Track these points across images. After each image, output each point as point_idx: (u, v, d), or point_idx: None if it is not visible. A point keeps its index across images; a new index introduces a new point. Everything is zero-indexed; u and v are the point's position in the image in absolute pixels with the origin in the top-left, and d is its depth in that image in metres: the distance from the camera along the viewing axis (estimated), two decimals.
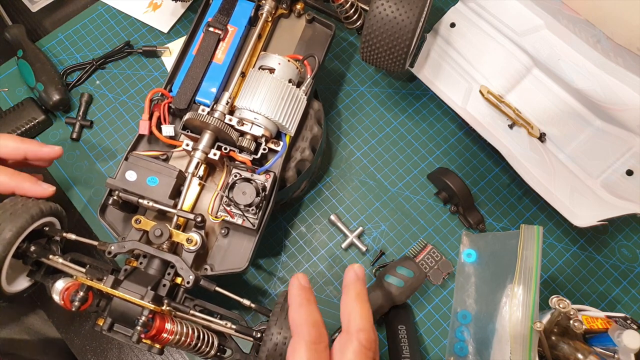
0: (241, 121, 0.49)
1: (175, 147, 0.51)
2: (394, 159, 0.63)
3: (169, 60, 0.67)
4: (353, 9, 0.56)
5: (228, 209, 0.48)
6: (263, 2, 0.55)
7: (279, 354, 0.39)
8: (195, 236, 0.46)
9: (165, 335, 0.41)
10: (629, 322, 0.45)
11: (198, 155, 0.48)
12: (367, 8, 0.55)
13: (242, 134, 0.49)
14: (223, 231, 0.50)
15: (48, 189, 0.47)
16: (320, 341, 0.36)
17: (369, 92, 0.66)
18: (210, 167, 0.52)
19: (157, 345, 0.42)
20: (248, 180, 0.48)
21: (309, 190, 0.61)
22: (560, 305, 0.43)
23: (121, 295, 0.41)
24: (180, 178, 0.47)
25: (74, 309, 0.42)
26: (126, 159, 0.48)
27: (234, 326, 0.44)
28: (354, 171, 0.62)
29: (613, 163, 0.55)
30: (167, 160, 0.51)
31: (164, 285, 0.44)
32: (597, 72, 0.55)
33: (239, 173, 0.48)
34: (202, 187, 0.51)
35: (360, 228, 0.59)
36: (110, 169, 0.62)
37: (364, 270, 0.40)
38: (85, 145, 0.63)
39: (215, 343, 0.44)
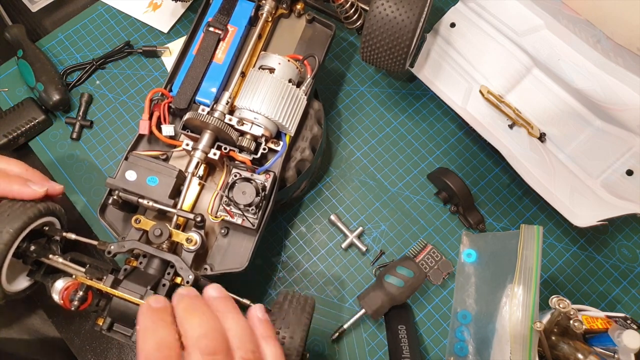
0: (241, 121, 0.49)
1: (175, 147, 0.51)
2: (394, 159, 0.63)
3: (169, 60, 0.67)
4: (353, 9, 0.56)
5: (228, 208, 0.48)
6: (263, 2, 0.56)
7: None
8: (195, 236, 0.46)
9: None
10: (629, 322, 0.45)
11: (198, 155, 0.48)
12: (367, 8, 0.55)
13: (242, 133, 0.49)
14: (223, 231, 0.50)
15: (38, 191, 0.44)
16: None
17: (369, 92, 0.66)
18: (210, 167, 0.52)
19: None
20: (248, 180, 0.48)
21: (309, 190, 0.61)
22: (560, 305, 0.43)
23: (121, 295, 0.41)
24: (180, 178, 0.47)
25: (73, 309, 0.42)
26: (126, 158, 0.48)
27: None
28: (354, 171, 0.62)
29: (613, 163, 0.55)
30: (167, 160, 0.51)
31: (164, 285, 0.44)
32: (597, 72, 0.55)
33: (238, 173, 0.48)
34: (202, 186, 0.51)
35: (360, 228, 0.59)
36: (110, 169, 0.62)
37: (189, 290, 0.36)
38: (85, 145, 0.63)
39: None
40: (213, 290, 0.37)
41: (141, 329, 0.33)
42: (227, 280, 0.52)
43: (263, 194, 0.48)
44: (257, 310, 0.37)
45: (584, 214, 0.53)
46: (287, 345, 0.40)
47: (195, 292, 0.36)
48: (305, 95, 0.52)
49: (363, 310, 0.53)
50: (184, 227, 0.49)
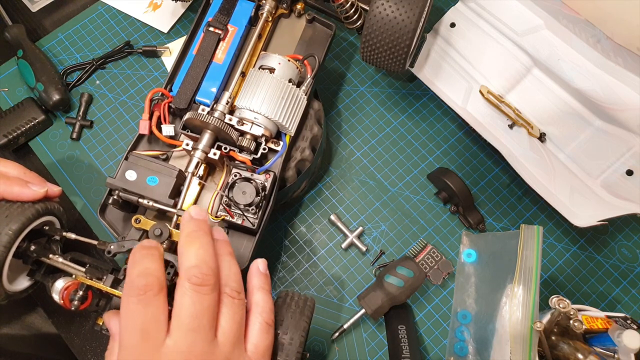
0: (241, 121, 0.49)
1: (175, 146, 0.51)
2: (394, 159, 0.63)
3: (169, 60, 0.67)
4: (353, 9, 0.56)
5: (228, 208, 0.48)
6: (263, 2, 0.56)
7: (279, 349, 0.39)
8: None
9: None
10: (629, 322, 0.45)
11: (198, 154, 0.48)
12: (367, 8, 0.55)
13: (242, 133, 0.49)
14: None
15: (39, 191, 0.44)
16: (147, 289, 0.34)
17: (369, 92, 0.66)
18: (210, 167, 0.52)
19: None
20: (248, 179, 0.48)
21: (309, 190, 0.61)
22: (560, 305, 0.43)
23: (121, 295, 0.41)
24: (180, 178, 0.47)
25: (73, 308, 0.42)
26: (126, 158, 0.48)
27: None
28: (354, 171, 0.62)
29: (613, 163, 0.55)
30: (167, 159, 0.51)
31: None
32: (597, 72, 0.55)
33: (238, 173, 0.48)
34: (202, 186, 0.51)
35: (360, 228, 0.59)
36: (110, 168, 0.62)
37: (200, 211, 0.39)
38: (85, 145, 0.63)
39: None
40: (217, 232, 0.40)
41: (130, 261, 0.36)
42: None
43: (263, 194, 0.48)
44: (259, 263, 0.41)
45: (584, 214, 0.53)
46: (286, 347, 0.40)
47: (205, 216, 0.39)
48: (305, 95, 0.52)
49: (363, 310, 0.53)
50: None
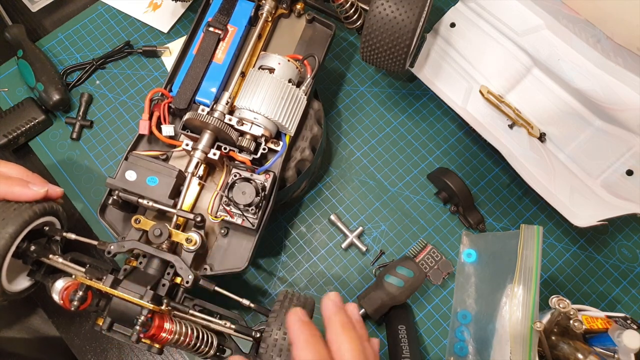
0: (241, 121, 0.49)
1: (175, 147, 0.51)
2: (394, 159, 0.63)
3: (169, 60, 0.67)
4: (353, 9, 0.56)
5: (228, 208, 0.48)
6: (263, 2, 0.56)
7: (279, 350, 0.39)
8: (195, 236, 0.46)
9: (164, 334, 0.41)
10: (629, 322, 0.45)
11: (198, 155, 0.48)
12: (367, 8, 0.55)
13: (242, 133, 0.49)
14: (223, 231, 0.50)
15: (39, 191, 0.45)
16: None
17: (369, 92, 0.66)
18: (210, 167, 0.52)
19: (157, 345, 0.42)
20: (248, 180, 0.48)
21: (309, 190, 0.61)
22: (560, 305, 0.43)
23: (120, 295, 0.41)
24: (180, 178, 0.47)
25: (73, 309, 0.42)
26: (126, 158, 0.48)
27: (233, 326, 0.44)
28: (354, 171, 0.62)
29: (613, 163, 0.55)
30: (167, 160, 0.51)
31: (164, 285, 0.44)
32: (597, 72, 0.55)
33: (238, 173, 0.48)
34: (202, 186, 0.51)
35: (360, 228, 0.59)
36: (110, 169, 0.62)
37: (340, 297, 0.39)
38: (85, 145, 0.63)
39: (215, 343, 0.44)
40: (355, 311, 0.40)
41: (301, 340, 0.36)
42: (227, 280, 0.52)
43: (263, 194, 0.48)
44: (375, 344, 0.41)
45: (584, 214, 0.53)
46: (286, 348, 0.40)
47: (342, 303, 0.39)
48: (305, 95, 0.52)
49: (363, 310, 0.53)
50: (183, 227, 0.49)
